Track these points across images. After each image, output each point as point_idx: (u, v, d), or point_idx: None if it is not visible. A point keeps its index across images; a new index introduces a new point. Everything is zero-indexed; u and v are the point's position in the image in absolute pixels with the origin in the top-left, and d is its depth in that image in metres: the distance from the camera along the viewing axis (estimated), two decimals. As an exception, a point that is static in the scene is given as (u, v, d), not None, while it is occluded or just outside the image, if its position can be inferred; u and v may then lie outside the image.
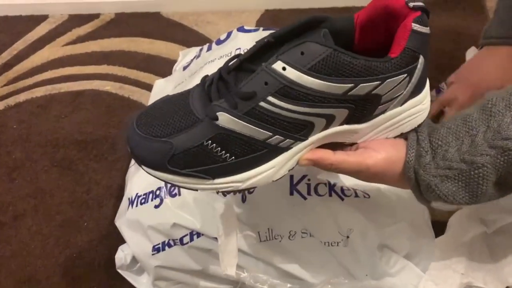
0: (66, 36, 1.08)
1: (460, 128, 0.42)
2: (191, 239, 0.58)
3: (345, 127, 0.43)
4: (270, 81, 0.38)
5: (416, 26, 0.39)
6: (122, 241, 0.64)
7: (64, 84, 0.96)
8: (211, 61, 0.70)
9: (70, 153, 0.83)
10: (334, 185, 0.58)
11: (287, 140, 0.41)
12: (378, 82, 0.39)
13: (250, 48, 0.41)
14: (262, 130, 0.40)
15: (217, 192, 0.44)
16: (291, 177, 0.58)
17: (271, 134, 0.40)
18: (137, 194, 0.62)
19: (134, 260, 0.63)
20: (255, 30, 0.75)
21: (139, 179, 0.64)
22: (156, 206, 0.59)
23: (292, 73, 0.38)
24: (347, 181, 0.59)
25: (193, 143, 0.40)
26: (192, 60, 0.78)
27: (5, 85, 0.97)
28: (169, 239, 0.59)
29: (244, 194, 0.57)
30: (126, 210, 0.63)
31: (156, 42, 1.06)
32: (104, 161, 0.81)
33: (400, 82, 0.40)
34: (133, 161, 0.72)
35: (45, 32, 1.09)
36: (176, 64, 0.87)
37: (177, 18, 1.12)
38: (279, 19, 1.11)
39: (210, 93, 0.41)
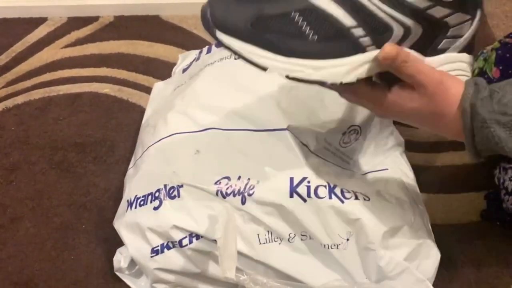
0: (65, 38, 1.08)
1: None
2: (190, 242, 0.57)
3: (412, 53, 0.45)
4: None
5: None
6: (120, 243, 0.64)
7: (63, 87, 0.95)
8: (211, 64, 0.70)
9: (68, 155, 0.82)
10: (334, 187, 0.58)
11: (367, 37, 0.43)
12: (451, 10, 0.43)
13: None
14: (349, 17, 0.41)
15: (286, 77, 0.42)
16: (291, 179, 0.58)
17: (356, 23, 0.42)
18: (136, 196, 0.62)
19: (133, 262, 0.63)
20: (254, 33, 0.74)
21: (138, 181, 0.64)
22: (155, 208, 0.59)
23: None
24: (347, 184, 0.59)
25: (281, 10, 0.41)
26: (191, 63, 0.78)
27: (3, 87, 0.96)
28: (168, 241, 0.58)
29: (244, 196, 0.57)
30: (124, 212, 0.63)
31: (155, 45, 1.05)
32: (102, 164, 0.81)
33: (465, 21, 0.44)
34: (132, 163, 0.71)
35: (44, 35, 1.09)
36: (175, 67, 0.87)
37: (176, 21, 1.12)
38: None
39: None
